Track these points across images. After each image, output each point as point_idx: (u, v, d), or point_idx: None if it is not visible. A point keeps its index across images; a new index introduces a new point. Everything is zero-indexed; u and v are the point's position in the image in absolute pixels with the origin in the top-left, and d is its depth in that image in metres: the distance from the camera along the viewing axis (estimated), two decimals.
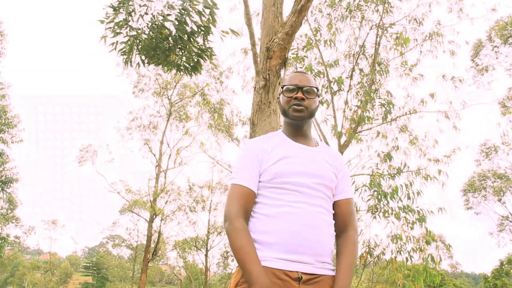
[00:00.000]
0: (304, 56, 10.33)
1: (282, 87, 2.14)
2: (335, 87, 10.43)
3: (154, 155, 24.12)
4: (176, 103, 23.58)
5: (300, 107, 2.06)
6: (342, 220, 2.07)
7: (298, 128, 2.12)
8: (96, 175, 23.86)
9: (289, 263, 1.84)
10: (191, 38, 5.09)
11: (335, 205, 2.09)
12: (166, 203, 23.80)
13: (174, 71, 5.77)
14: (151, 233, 22.98)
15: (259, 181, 2.00)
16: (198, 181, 24.56)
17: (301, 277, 1.83)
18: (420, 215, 9.15)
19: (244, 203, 1.95)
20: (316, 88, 2.14)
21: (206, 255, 28.26)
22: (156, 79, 23.18)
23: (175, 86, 23.37)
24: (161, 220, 23.99)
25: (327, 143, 10.56)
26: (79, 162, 23.84)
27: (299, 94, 2.07)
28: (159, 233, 23.66)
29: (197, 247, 27.94)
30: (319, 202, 1.97)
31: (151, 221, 23.11)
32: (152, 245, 23.08)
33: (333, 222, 2.03)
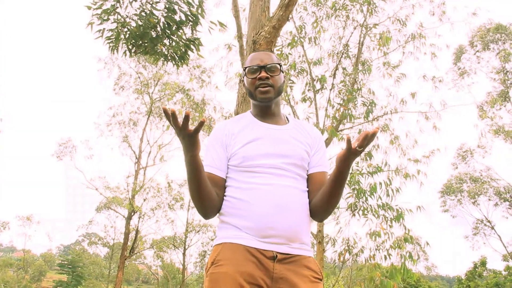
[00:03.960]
0: (289, 53, 10.40)
1: (244, 69, 2.08)
2: (318, 85, 10.52)
3: (134, 152, 23.93)
4: (157, 100, 23.42)
5: (266, 88, 2.01)
6: (317, 189, 2.00)
7: (266, 108, 2.08)
8: (73, 170, 23.45)
9: (264, 244, 1.82)
10: (179, 28, 5.08)
11: (309, 178, 2.03)
12: (144, 201, 23.64)
13: (160, 63, 5.77)
14: (128, 230, 22.75)
15: (230, 165, 1.99)
16: (177, 179, 24.41)
17: (276, 255, 1.81)
18: (399, 213, 9.27)
19: None
20: (279, 64, 2.08)
21: (184, 254, 28.18)
22: (138, 76, 23.00)
23: (156, 84, 23.22)
24: (139, 217, 23.81)
25: None
26: (57, 157, 23.49)
27: (263, 74, 2.02)
28: (137, 231, 23.47)
29: (174, 246, 27.85)
30: (290, 182, 1.93)
31: (129, 218, 22.89)
32: (129, 243, 22.86)
33: (308, 201, 1.97)
